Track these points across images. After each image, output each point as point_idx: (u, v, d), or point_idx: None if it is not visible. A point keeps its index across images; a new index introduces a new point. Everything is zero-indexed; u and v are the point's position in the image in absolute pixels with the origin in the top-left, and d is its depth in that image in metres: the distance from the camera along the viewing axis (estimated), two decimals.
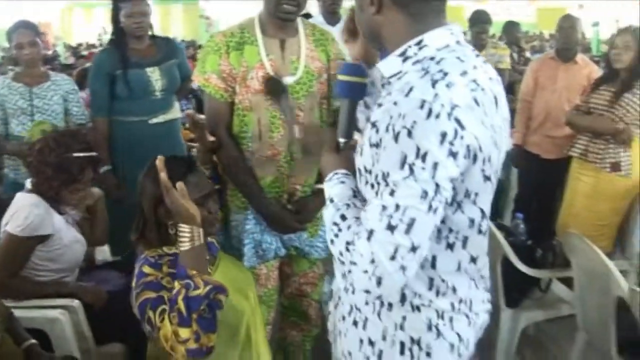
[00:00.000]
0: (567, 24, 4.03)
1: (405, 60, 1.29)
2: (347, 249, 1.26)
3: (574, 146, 3.50)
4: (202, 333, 1.57)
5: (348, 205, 1.35)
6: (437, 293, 1.35)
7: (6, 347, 1.86)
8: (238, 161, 2.19)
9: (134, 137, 3.29)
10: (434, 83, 1.19)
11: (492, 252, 1.77)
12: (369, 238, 1.20)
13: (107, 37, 3.81)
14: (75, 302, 2.24)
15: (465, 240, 1.34)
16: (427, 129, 1.16)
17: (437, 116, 1.17)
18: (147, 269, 1.74)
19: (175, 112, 3.49)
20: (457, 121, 1.18)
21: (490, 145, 1.26)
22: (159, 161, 1.63)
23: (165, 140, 3.34)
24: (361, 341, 1.42)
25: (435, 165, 1.17)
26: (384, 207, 1.19)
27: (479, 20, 4.70)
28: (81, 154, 2.50)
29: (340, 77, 1.53)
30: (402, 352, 1.37)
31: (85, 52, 10.30)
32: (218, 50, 2.16)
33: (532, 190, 4.15)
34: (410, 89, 1.20)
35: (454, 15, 15.93)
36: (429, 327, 1.36)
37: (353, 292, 1.44)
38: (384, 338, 1.39)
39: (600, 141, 3.35)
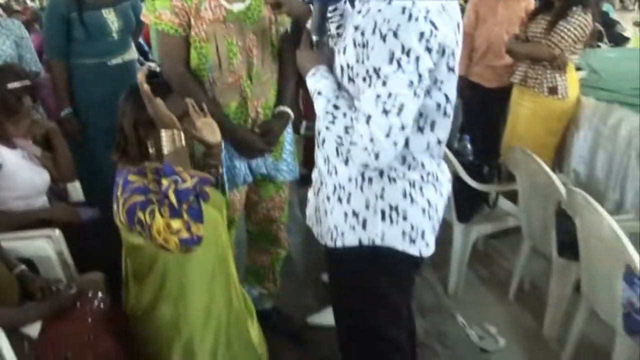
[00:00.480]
0: None
1: None
2: (347, 132, 1.56)
3: (514, 73, 3.72)
4: (192, 223, 1.69)
5: (337, 96, 1.60)
6: (409, 167, 1.63)
7: (1, 273, 1.97)
8: (199, 93, 2.23)
9: (93, 79, 3.35)
10: None
11: None
12: (367, 121, 1.47)
13: None
14: (57, 232, 2.34)
15: (433, 124, 1.61)
16: (409, 29, 1.42)
17: (417, 19, 1.42)
18: (132, 177, 1.85)
19: (133, 53, 3.55)
20: (432, 23, 1.44)
21: (454, 42, 1.53)
22: (141, 74, 1.79)
23: (125, 80, 3.38)
24: (346, 214, 1.68)
25: (417, 59, 1.43)
26: (378, 96, 1.45)
27: None
28: (15, 84, 2.61)
29: None
30: (383, 218, 1.65)
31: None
32: None
33: (477, 118, 4.37)
34: None
35: None
36: (404, 195, 1.64)
37: (336, 174, 1.69)
38: (367, 207, 1.65)
39: (538, 67, 3.55)
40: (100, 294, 2.10)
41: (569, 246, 2.70)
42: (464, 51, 4.27)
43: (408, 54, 1.42)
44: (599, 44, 5.87)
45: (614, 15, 9.45)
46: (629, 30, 7.61)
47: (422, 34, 1.42)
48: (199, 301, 2.00)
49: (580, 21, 3.38)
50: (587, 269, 2.48)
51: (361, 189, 1.65)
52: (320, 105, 1.62)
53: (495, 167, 3.22)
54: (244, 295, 2.34)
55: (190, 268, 1.96)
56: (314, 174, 1.85)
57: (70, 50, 3.34)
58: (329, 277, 1.93)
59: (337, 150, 1.68)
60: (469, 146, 3.33)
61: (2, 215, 2.45)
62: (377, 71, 1.46)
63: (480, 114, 4.33)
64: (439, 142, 1.66)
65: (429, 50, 1.44)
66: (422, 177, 1.65)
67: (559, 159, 3.79)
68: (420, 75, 1.45)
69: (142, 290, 2.00)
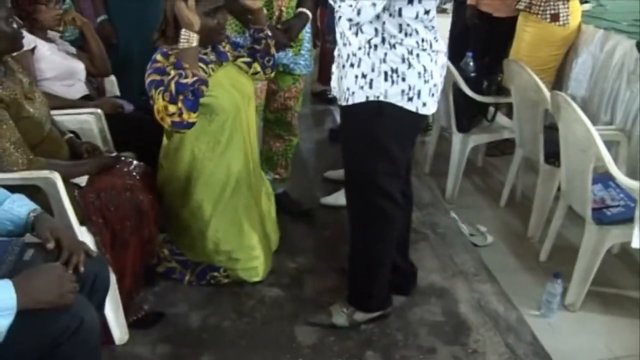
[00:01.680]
0: None
1: None
2: None
3: (520, 0, 3.94)
4: (184, 110, 2.11)
5: None
6: (406, 34, 1.99)
7: (54, 136, 2.31)
8: None
9: None
10: None
11: (445, 82, 2.29)
12: None
13: None
14: (99, 110, 2.67)
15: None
16: None
17: None
18: (159, 57, 2.23)
19: None
20: None
21: None
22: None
23: None
24: (356, 77, 2.06)
25: None
26: None
27: None
28: None
29: None
30: (385, 79, 2.03)
31: None
32: None
33: (485, 45, 4.58)
34: None
35: None
36: (403, 60, 2.02)
37: (350, 44, 2.06)
38: (372, 70, 2.03)
39: None
40: (135, 161, 2.44)
41: (554, 155, 2.99)
42: None
43: None
44: None
45: None
46: None
47: None
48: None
49: None
50: (566, 168, 2.77)
51: (368, 55, 2.02)
52: None
53: (494, 82, 3.48)
54: (262, 175, 2.70)
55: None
56: (336, 51, 2.22)
57: None
58: (341, 134, 2.32)
59: (349, 25, 2.03)
60: (471, 63, 3.57)
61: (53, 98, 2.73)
62: None
63: (489, 42, 4.54)
64: (426, 12, 2.00)
65: None
66: (417, 44, 2.01)
67: (558, 82, 4.02)
68: None
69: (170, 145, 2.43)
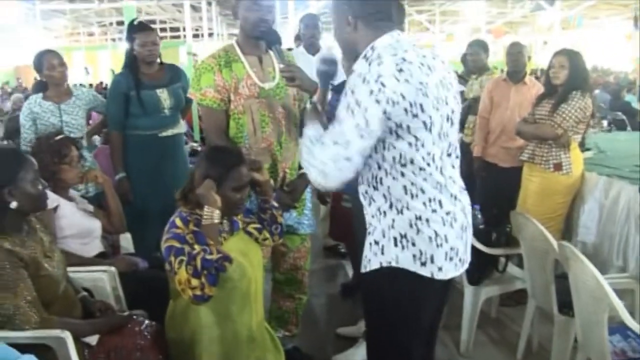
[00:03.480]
0: (515, 49, 4.69)
1: (365, 59, 1.96)
2: (309, 155, 1.97)
3: (524, 152, 4.08)
4: (206, 285, 2.17)
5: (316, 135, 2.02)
6: (412, 196, 1.96)
7: (68, 294, 2.35)
8: None
9: (146, 148, 3.83)
10: (369, 63, 1.90)
11: None
12: (322, 149, 1.91)
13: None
14: (113, 268, 2.72)
15: (412, 160, 1.95)
16: (361, 89, 1.86)
17: (368, 82, 1.86)
18: (178, 222, 2.30)
19: (181, 127, 4.05)
20: (382, 84, 1.84)
21: (417, 95, 1.87)
22: (209, 182, 2.31)
23: (172, 150, 3.92)
24: (370, 244, 2.06)
25: (366, 109, 1.85)
26: (334, 132, 1.90)
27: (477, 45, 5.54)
28: (60, 136, 3.13)
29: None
30: (395, 244, 2.00)
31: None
32: (212, 69, 2.65)
33: (493, 196, 4.67)
34: (356, 69, 1.94)
35: None
36: (410, 225, 1.98)
37: (367, 213, 2.09)
38: (383, 236, 2.02)
39: (544, 146, 3.91)
40: (147, 320, 2.45)
41: (568, 304, 2.94)
42: (480, 134, 4.74)
43: (359, 105, 1.85)
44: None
45: (637, 104, 9.85)
46: None
47: (371, 92, 1.84)
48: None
49: (580, 104, 3.76)
50: (580, 319, 2.73)
51: (379, 221, 2.03)
52: (305, 141, 2.03)
53: (503, 234, 3.52)
54: (271, 332, 2.68)
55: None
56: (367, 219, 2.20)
57: (127, 123, 3.83)
58: (362, 300, 2.28)
59: (362, 195, 2.09)
60: (479, 216, 3.63)
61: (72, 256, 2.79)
62: (338, 116, 1.91)
63: (496, 192, 4.64)
64: (428, 153, 1.95)
65: (377, 102, 1.84)
66: (425, 206, 1.96)
67: (567, 229, 4.07)
68: (367, 121, 1.85)
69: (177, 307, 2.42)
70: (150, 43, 3.80)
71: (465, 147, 4.77)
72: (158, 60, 3.93)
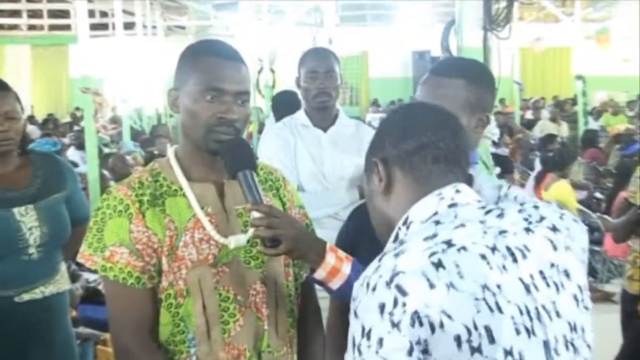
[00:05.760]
0: None
1: (396, 241, 1.30)
2: None
3: None
4: None
5: None
6: None
7: None
8: None
9: None
10: (380, 257, 1.23)
11: None
12: None
13: None
14: None
15: None
16: (367, 304, 1.21)
17: (374, 288, 1.19)
18: None
19: (63, 281, 2.22)
20: (398, 287, 1.17)
21: (471, 310, 1.14)
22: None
23: (43, 327, 2.14)
24: None
25: (381, 341, 1.20)
26: None
27: None
28: None
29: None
30: None
31: None
32: (126, 211, 1.63)
33: None
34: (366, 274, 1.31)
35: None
36: None
37: None
38: None
39: None
40: None
41: None
42: None
43: (368, 337, 1.19)
44: None
45: None
46: None
47: (382, 307, 1.17)
48: None
49: None
50: None
51: None
52: None
53: None
54: None
55: None
56: None
57: None
58: None
59: None
60: None
61: None
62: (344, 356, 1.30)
63: None
64: None
65: (395, 325, 1.15)
66: None
67: None
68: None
69: None
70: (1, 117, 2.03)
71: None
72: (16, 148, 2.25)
